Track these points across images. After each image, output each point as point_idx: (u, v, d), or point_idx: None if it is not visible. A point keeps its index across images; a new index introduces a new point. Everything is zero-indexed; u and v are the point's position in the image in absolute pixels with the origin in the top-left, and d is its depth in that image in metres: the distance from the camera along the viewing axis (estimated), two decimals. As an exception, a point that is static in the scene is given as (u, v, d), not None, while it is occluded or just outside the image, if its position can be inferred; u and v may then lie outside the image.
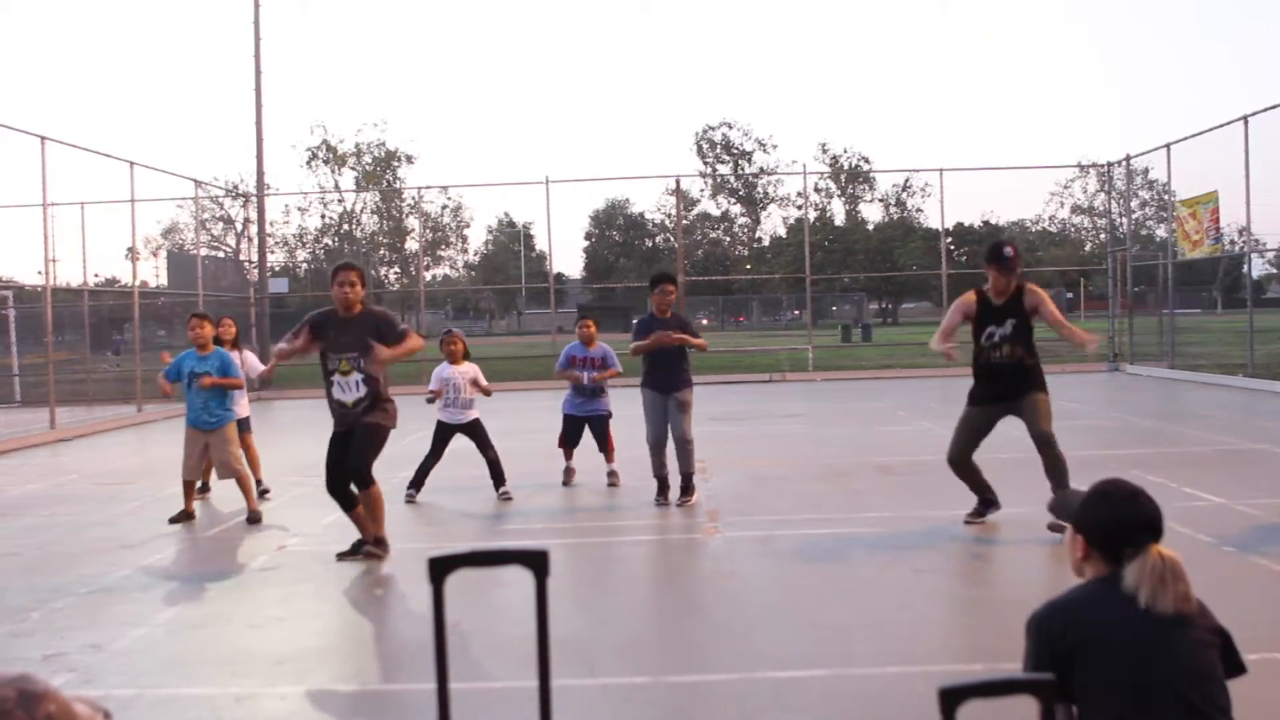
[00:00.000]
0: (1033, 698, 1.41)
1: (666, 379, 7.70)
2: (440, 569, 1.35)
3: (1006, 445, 10.42)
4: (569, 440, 8.84)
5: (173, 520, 7.73)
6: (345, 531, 6.61)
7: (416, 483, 8.35)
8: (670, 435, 7.69)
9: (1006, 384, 6.59)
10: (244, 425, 8.98)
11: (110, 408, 17.05)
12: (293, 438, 9.20)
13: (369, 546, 6.37)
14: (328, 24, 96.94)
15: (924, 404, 14.79)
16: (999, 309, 6.54)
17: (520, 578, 1.37)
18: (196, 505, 8.08)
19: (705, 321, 60.99)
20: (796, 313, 58.75)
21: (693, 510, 7.58)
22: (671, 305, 7.84)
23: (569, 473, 8.84)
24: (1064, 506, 2.51)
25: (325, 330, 6.33)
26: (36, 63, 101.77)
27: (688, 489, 7.76)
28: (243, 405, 9.03)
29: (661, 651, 4.60)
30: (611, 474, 8.66)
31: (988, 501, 6.72)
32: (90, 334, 21.91)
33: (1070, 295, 64.93)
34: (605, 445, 8.73)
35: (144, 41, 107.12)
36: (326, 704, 4.16)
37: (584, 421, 8.75)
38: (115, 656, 4.75)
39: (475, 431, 8.40)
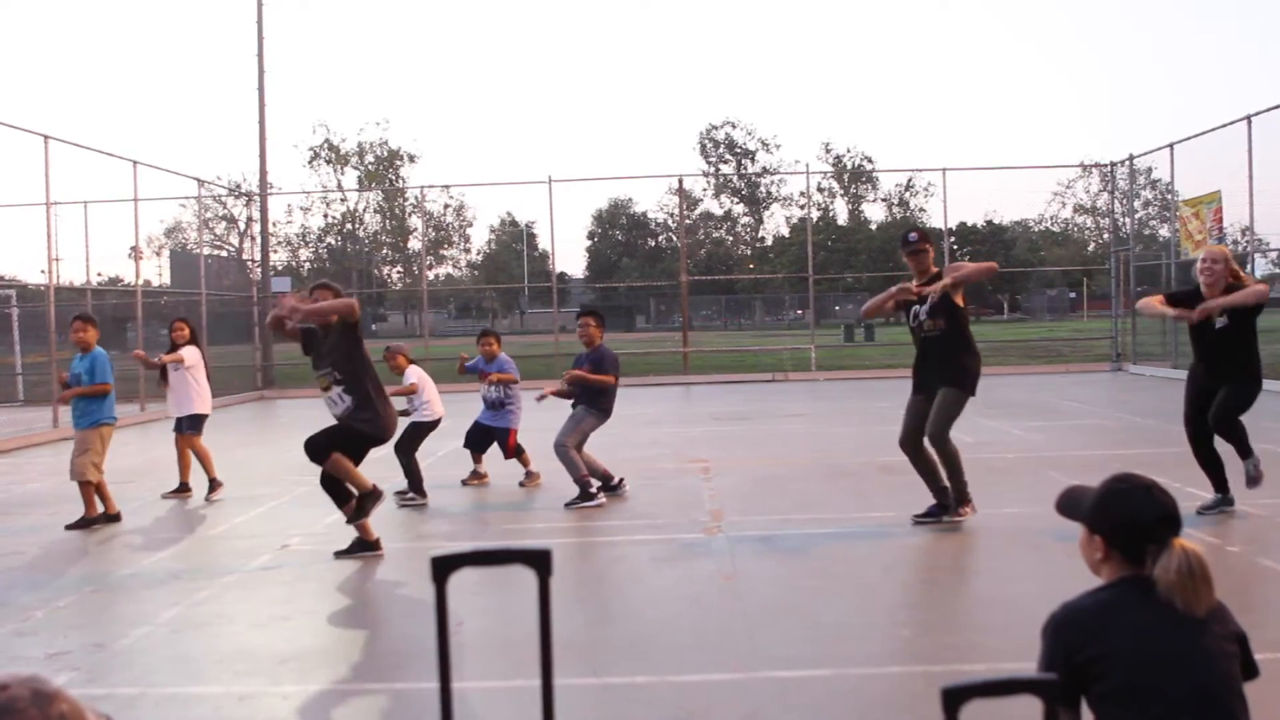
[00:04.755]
0: (1036, 698, 1.40)
1: (580, 397, 8.07)
2: (443, 568, 1.35)
3: (1010, 445, 10.44)
4: (473, 444, 8.95)
5: (68, 527, 7.62)
6: (347, 531, 6.61)
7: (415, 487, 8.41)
8: None
9: (931, 364, 6.78)
10: (187, 426, 8.93)
11: (113, 407, 17.06)
12: (293, 437, 9.20)
13: (367, 503, 6.37)
14: (330, 23, 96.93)
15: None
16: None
17: (523, 577, 1.38)
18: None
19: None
20: (799, 312, 58.71)
21: (692, 510, 7.58)
22: (595, 338, 8.09)
23: (477, 476, 8.90)
24: (1074, 506, 2.41)
25: (310, 343, 6.46)
26: (39, 62, 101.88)
27: (581, 497, 7.86)
28: (201, 402, 9.01)
29: (664, 651, 4.60)
30: (530, 475, 8.81)
31: (940, 505, 6.79)
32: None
33: (1073, 295, 64.91)
34: (506, 452, 8.87)
35: (147, 41, 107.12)
36: (329, 703, 4.16)
37: (487, 432, 8.91)
38: (118, 655, 4.75)
39: (408, 431, 8.38)
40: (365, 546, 6.47)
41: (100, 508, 7.80)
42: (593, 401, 7.98)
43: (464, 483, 8.86)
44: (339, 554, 6.45)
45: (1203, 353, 6.88)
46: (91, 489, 7.73)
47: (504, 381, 8.78)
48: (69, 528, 7.63)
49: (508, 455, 8.91)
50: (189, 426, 8.98)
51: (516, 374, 8.95)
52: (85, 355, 7.90)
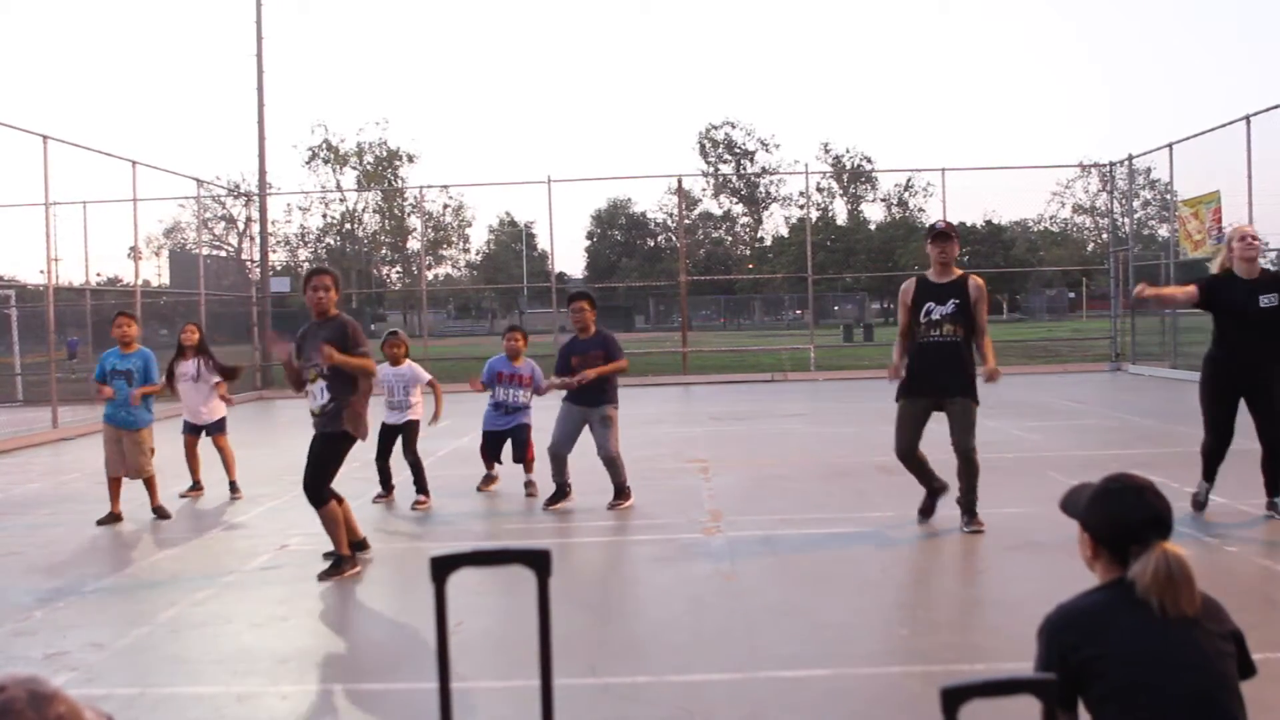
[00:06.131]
0: (1035, 698, 1.40)
1: (586, 394, 7.68)
2: (442, 568, 1.35)
3: (1009, 445, 10.45)
4: (489, 453, 8.68)
5: (100, 522, 7.79)
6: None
7: (388, 487, 8.40)
8: (596, 453, 7.73)
9: (943, 370, 6.60)
10: (218, 429, 9.02)
11: (112, 407, 17.06)
12: (293, 437, 9.23)
13: (343, 565, 6.08)
14: (329, 24, 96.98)
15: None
16: (940, 288, 6.66)
17: (523, 577, 1.38)
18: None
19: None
20: (798, 312, 58.72)
21: (691, 510, 7.58)
22: (591, 323, 7.81)
23: (489, 479, 8.68)
24: (1073, 504, 2.43)
25: (302, 340, 6.24)
26: (38, 62, 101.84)
27: (620, 494, 7.79)
28: (218, 407, 9.10)
29: (663, 651, 4.60)
30: (529, 484, 8.48)
31: (935, 491, 6.84)
32: (93, 333, 21.94)
33: (1072, 295, 64.94)
34: (524, 454, 8.54)
35: (146, 41, 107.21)
36: (328, 703, 4.16)
37: (504, 436, 8.59)
38: (117, 655, 4.75)
39: (406, 432, 8.32)
40: (348, 554, 6.18)
41: (114, 505, 7.92)
42: (608, 394, 7.72)
43: (479, 489, 8.63)
44: (322, 576, 6.06)
45: (1241, 337, 6.50)
46: (156, 481, 8.05)
47: (525, 385, 8.48)
48: (158, 518, 7.90)
49: (524, 458, 8.52)
50: (220, 429, 9.13)
51: (541, 383, 8.51)
52: (131, 352, 7.99)
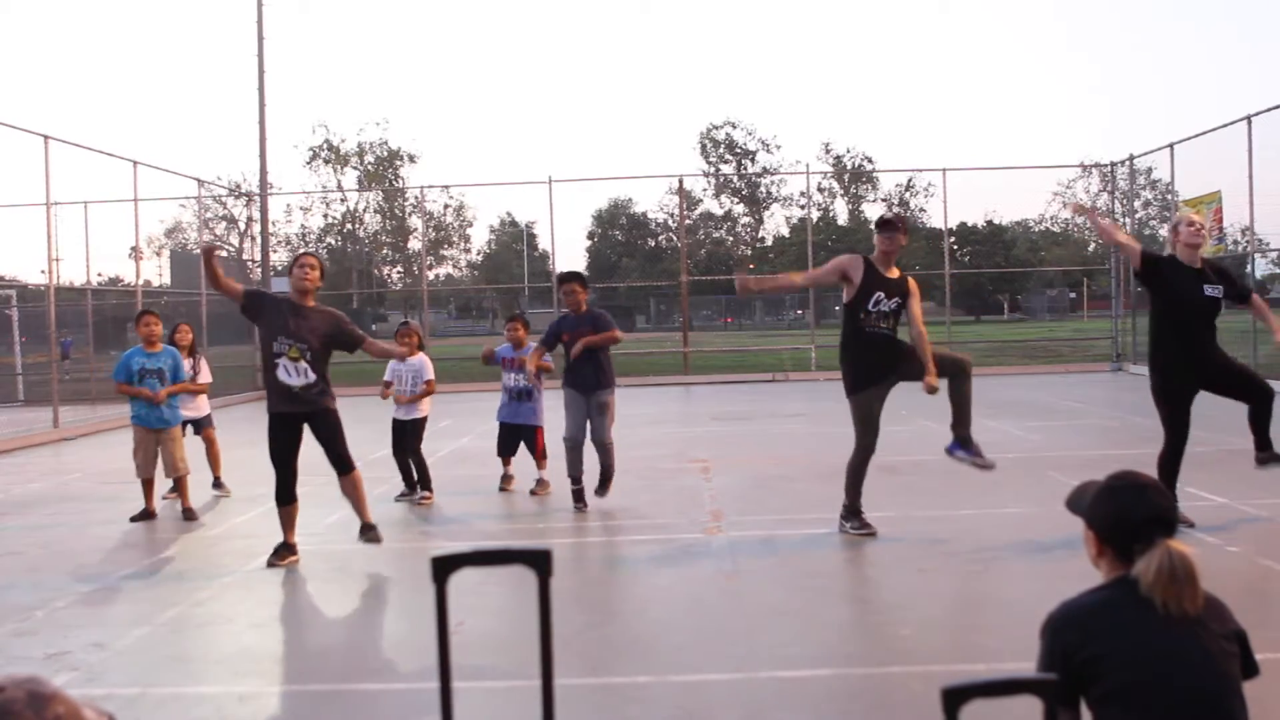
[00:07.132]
0: (1036, 698, 1.40)
1: (586, 378, 7.65)
2: (443, 568, 1.35)
3: (1010, 445, 10.44)
4: (505, 449, 8.68)
5: (135, 519, 7.82)
6: (347, 531, 6.61)
7: (409, 484, 8.39)
8: (590, 437, 7.70)
9: (888, 357, 6.59)
10: (206, 422, 9.05)
11: (113, 407, 17.05)
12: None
13: (370, 533, 6.38)
14: (329, 24, 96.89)
15: (926, 403, 14.73)
16: (889, 283, 6.56)
17: (523, 577, 1.38)
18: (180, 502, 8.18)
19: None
20: (799, 312, 58.70)
21: (692, 510, 7.59)
22: (583, 302, 7.78)
23: (507, 479, 8.67)
24: (1078, 501, 2.43)
25: (269, 310, 6.39)
26: (39, 62, 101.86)
27: (605, 481, 7.79)
28: (203, 403, 9.13)
29: (664, 651, 4.60)
30: (539, 482, 8.48)
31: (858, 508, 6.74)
32: (94, 333, 21.95)
33: (1073, 295, 64.92)
34: (534, 451, 8.58)
35: (147, 41, 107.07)
36: (329, 703, 4.16)
37: (518, 431, 8.61)
38: (118, 655, 4.75)
39: (412, 430, 8.34)
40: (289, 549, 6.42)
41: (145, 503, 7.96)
42: (606, 378, 7.67)
43: (501, 490, 8.62)
44: (271, 562, 6.34)
45: (1190, 326, 6.45)
46: (187, 482, 8.07)
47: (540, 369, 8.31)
48: (186, 519, 7.85)
49: (537, 455, 8.56)
50: (208, 422, 9.15)
51: (549, 363, 8.47)
52: (157, 351, 8.01)
